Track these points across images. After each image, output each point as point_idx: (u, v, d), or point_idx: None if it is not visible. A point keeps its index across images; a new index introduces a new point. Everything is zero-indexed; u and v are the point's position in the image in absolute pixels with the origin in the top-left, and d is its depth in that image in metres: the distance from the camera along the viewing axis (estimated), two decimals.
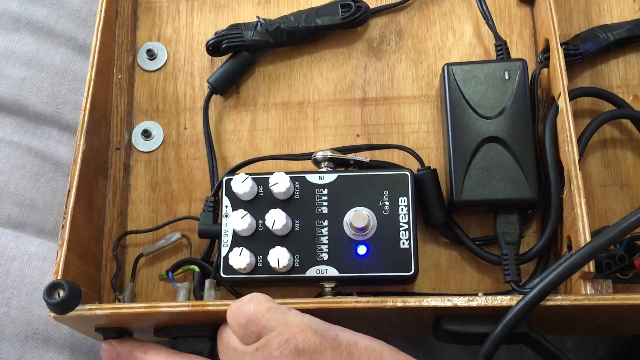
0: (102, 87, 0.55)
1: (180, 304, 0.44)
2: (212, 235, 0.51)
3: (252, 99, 0.57)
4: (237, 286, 0.51)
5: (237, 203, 0.49)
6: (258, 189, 0.49)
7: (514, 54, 0.55)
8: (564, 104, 0.48)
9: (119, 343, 0.46)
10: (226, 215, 0.49)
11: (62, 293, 0.44)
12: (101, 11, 0.56)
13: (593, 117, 0.52)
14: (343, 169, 0.51)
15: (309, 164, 0.53)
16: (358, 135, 0.56)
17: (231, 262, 0.47)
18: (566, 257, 0.46)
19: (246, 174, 0.49)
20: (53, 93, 0.62)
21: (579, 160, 0.49)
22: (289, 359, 0.37)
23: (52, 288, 0.44)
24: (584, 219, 0.44)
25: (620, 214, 0.51)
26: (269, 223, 0.47)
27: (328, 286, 0.48)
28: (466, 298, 0.43)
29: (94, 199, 0.52)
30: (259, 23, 0.56)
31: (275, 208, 0.48)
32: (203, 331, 0.47)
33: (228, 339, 0.42)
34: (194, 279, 0.51)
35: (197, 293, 0.50)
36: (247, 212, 0.48)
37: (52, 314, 0.45)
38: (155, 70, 0.59)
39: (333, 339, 0.39)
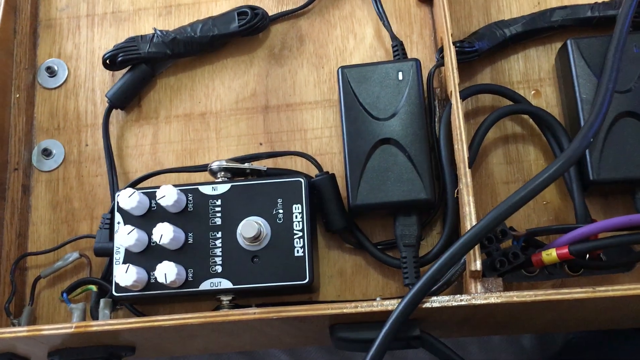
0: None
1: (63, 326, 0.43)
2: (108, 253, 0.49)
3: (154, 112, 0.56)
4: (135, 304, 0.50)
5: (129, 219, 0.48)
6: (150, 203, 0.48)
7: (414, 54, 0.55)
8: (455, 101, 0.47)
9: None
10: (117, 232, 0.48)
11: None
12: None
13: None
14: (242, 178, 0.50)
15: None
16: (261, 144, 0.55)
17: (118, 279, 0.45)
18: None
19: (136, 188, 0.48)
20: None
21: (474, 157, 0.49)
22: None
23: None
24: (472, 217, 0.43)
25: (523, 210, 0.50)
26: (156, 237, 0.46)
27: (225, 299, 0.47)
28: (353, 304, 0.42)
29: None
30: (155, 35, 0.55)
31: (164, 222, 0.46)
32: (96, 353, 0.46)
33: None
34: (91, 299, 0.50)
35: (94, 313, 0.49)
36: (134, 227, 0.46)
37: None
38: (55, 88, 0.58)
39: None
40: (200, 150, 0.55)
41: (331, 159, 0.53)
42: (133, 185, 0.51)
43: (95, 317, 0.49)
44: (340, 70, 0.51)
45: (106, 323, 0.43)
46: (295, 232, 0.47)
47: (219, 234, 0.47)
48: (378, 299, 0.46)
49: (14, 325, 0.49)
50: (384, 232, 0.51)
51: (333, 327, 0.43)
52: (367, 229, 0.51)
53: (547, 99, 0.53)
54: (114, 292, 0.47)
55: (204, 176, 0.53)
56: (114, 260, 0.47)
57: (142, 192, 0.48)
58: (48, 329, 0.43)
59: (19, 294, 0.52)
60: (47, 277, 0.52)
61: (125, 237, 0.46)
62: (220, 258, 0.47)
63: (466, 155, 0.45)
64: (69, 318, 0.52)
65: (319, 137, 0.54)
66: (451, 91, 0.48)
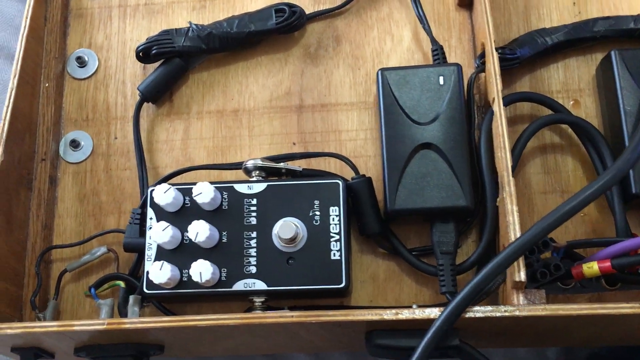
0: (26, 95, 0.52)
1: (95, 322, 0.42)
2: (138, 249, 0.48)
3: (185, 107, 0.55)
4: (164, 302, 0.49)
5: (162, 215, 0.47)
6: (184, 199, 0.47)
7: (453, 59, 0.54)
8: (498, 108, 0.47)
9: None
10: (150, 228, 0.47)
11: None
12: (27, 18, 0.54)
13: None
14: (276, 178, 0.50)
15: (242, 174, 0.51)
16: (294, 144, 0.54)
17: (151, 276, 0.44)
18: None
19: (171, 184, 0.47)
20: None
21: (514, 167, 0.48)
22: None
23: None
24: (515, 226, 0.42)
25: None
26: (191, 235, 0.45)
27: (257, 300, 0.46)
28: (394, 311, 0.41)
29: (14, 213, 0.50)
30: (190, 29, 0.54)
31: (200, 219, 0.45)
32: (125, 351, 0.45)
33: None
34: (119, 295, 0.49)
35: (122, 310, 0.48)
36: (169, 224, 0.45)
37: None
38: (85, 78, 0.57)
39: None
40: (232, 147, 0.54)
41: (365, 162, 0.52)
42: (164, 180, 0.50)
43: (123, 313, 0.48)
44: (380, 72, 0.50)
45: (140, 321, 0.42)
46: (332, 234, 0.46)
47: (254, 234, 0.46)
48: (414, 306, 0.46)
49: (39, 319, 0.48)
50: (418, 238, 0.50)
51: (370, 334, 0.43)
52: (400, 234, 0.50)
53: (587, 110, 0.52)
54: (145, 289, 0.46)
55: (235, 174, 0.52)
56: (146, 257, 0.46)
57: (177, 188, 0.47)
58: (80, 325, 0.42)
59: (43, 287, 0.51)
60: (73, 271, 0.51)
61: (160, 233, 0.45)
62: (255, 258, 0.46)
63: (510, 164, 0.45)
64: (94, 313, 0.51)
65: (353, 139, 0.53)
66: (493, 98, 0.47)
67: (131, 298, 0.47)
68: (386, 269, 0.50)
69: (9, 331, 0.42)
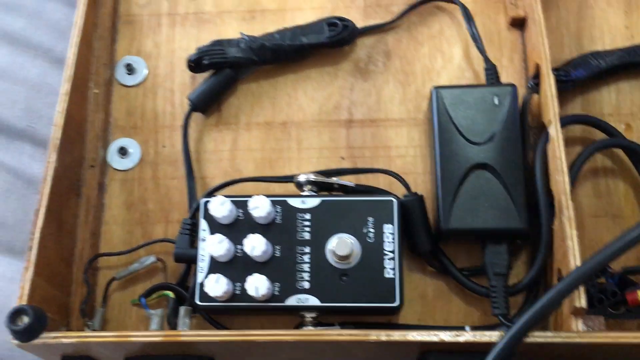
0: (77, 102, 0.52)
1: (153, 334, 0.42)
2: (189, 260, 0.48)
3: (234, 117, 0.55)
4: (214, 314, 0.48)
5: (215, 226, 0.47)
6: (237, 212, 0.47)
7: (503, 79, 0.54)
8: (555, 131, 0.46)
9: None
10: (203, 239, 0.47)
11: (26, 319, 0.42)
12: (78, 23, 0.54)
13: (583, 145, 0.51)
14: (326, 193, 0.50)
15: (290, 187, 0.51)
16: (343, 158, 0.54)
17: (207, 289, 0.44)
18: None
19: (225, 196, 0.47)
20: (27, 107, 0.60)
21: (571, 190, 0.48)
22: None
23: (15, 314, 0.42)
24: (575, 251, 0.42)
25: None
26: (247, 249, 0.45)
27: (309, 316, 0.46)
28: (453, 333, 0.41)
29: (65, 219, 0.49)
30: (242, 40, 0.54)
31: (254, 233, 0.45)
32: None
33: None
34: (168, 305, 0.49)
35: (171, 321, 0.48)
36: (225, 236, 0.45)
37: (15, 341, 0.42)
38: (133, 86, 0.57)
39: None
40: (281, 160, 0.54)
41: (415, 179, 0.52)
42: (214, 191, 0.50)
43: (172, 324, 0.48)
44: (434, 90, 0.50)
45: (197, 333, 0.42)
46: (385, 252, 0.46)
47: (307, 249, 0.46)
48: (467, 328, 0.46)
49: (88, 327, 0.48)
50: (468, 258, 0.50)
51: (426, 355, 0.42)
52: (450, 254, 0.50)
53: (639, 134, 0.52)
54: (198, 302, 0.46)
55: (283, 187, 0.52)
56: (198, 269, 0.46)
57: (232, 201, 0.47)
58: (137, 336, 0.42)
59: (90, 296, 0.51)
60: (121, 279, 0.51)
61: (216, 245, 0.45)
62: (308, 274, 0.46)
63: (568, 187, 0.44)
64: (139, 322, 0.51)
65: (403, 156, 0.53)
66: (550, 120, 0.47)
67: (182, 309, 0.47)
68: (435, 287, 0.50)
69: (64, 340, 0.42)
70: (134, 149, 0.55)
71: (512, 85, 0.50)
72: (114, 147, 0.55)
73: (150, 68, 0.57)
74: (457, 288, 0.49)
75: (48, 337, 0.42)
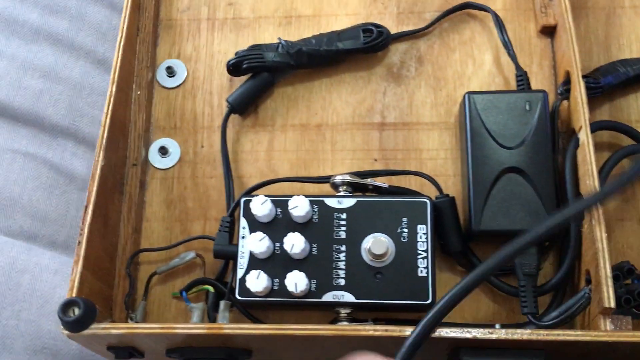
0: (121, 103, 0.54)
1: (196, 326, 0.44)
2: (228, 256, 0.50)
3: (270, 119, 0.57)
4: (251, 309, 0.50)
5: (255, 225, 0.49)
6: (276, 211, 0.49)
7: (533, 85, 0.55)
8: (585, 137, 0.48)
9: None
10: (243, 237, 0.49)
11: (77, 311, 0.44)
12: (123, 27, 0.56)
13: (611, 150, 0.52)
14: (361, 193, 0.51)
15: (324, 187, 0.52)
16: (375, 160, 0.55)
17: (248, 284, 0.46)
18: (584, 291, 0.45)
19: (263, 195, 0.49)
20: (70, 106, 0.62)
21: None
22: None
23: (67, 306, 0.44)
24: (604, 253, 0.44)
25: (638, 249, 0.51)
26: (287, 247, 0.47)
27: (343, 312, 0.48)
28: (485, 330, 0.42)
29: (110, 216, 0.52)
30: (280, 44, 0.56)
31: (293, 231, 0.47)
32: (217, 354, 0.46)
33: None
34: (207, 299, 0.51)
35: (211, 314, 0.50)
36: (265, 234, 0.47)
37: (66, 332, 0.44)
38: (174, 88, 0.59)
39: None
40: (315, 161, 0.56)
41: (445, 181, 0.54)
42: (252, 190, 0.52)
43: (212, 317, 0.50)
44: (467, 95, 0.52)
45: (239, 326, 0.43)
46: (419, 252, 0.48)
47: (343, 248, 0.48)
48: (497, 325, 0.47)
49: (131, 319, 0.51)
50: None
51: (457, 351, 0.44)
52: (479, 254, 0.51)
53: None
54: (238, 296, 0.48)
55: (317, 187, 0.54)
56: (238, 265, 0.48)
57: (271, 200, 0.48)
58: (181, 328, 0.44)
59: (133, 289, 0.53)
60: (162, 274, 0.53)
61: (257, 243, 0.47)
62: (344, 271, 0.48)
63: None
64: (179, 315, 0.53)
65: (434, 158, 0.55)
66: (580, 126, 0.49)
67: (222, 303, 0.49)
68: None
69: (113, 331, 0.44)
70: (174, 148, 0.57)
71: (543, 92, 0.51)
72: (154, 146, 0.57)
73: (190, 71, 0.59)
74: (486, 287, 0.51)
75: (97, 328, 0.44)
